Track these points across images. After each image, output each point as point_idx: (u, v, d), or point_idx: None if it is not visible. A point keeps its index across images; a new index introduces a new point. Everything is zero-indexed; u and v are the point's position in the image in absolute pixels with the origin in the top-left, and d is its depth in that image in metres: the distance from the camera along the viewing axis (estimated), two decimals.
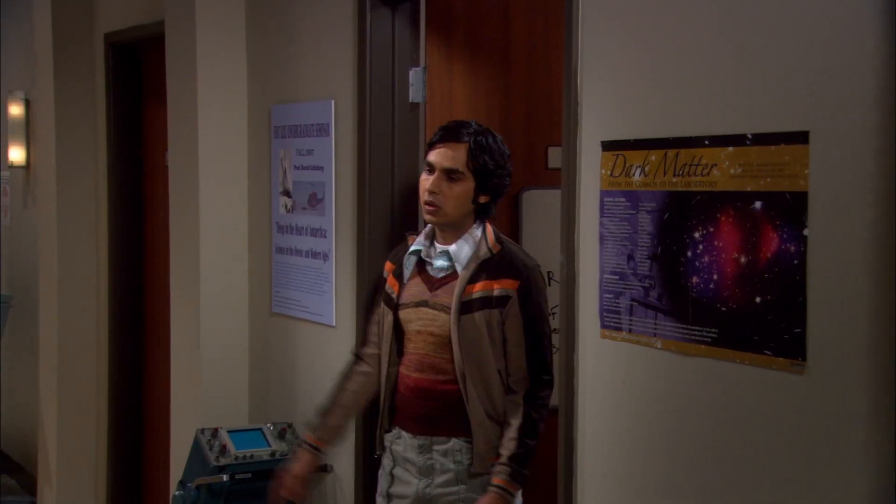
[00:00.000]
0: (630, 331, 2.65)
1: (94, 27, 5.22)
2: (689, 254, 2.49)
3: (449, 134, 2.92)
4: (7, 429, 6.67)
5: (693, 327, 2.49)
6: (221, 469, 3.54)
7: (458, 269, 2.91)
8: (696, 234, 2.48)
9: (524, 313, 2.89)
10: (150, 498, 5.14)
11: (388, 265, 3.07)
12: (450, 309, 2.89)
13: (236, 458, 3.59)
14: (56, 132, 5.19)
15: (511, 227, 3.62)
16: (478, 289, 2.88)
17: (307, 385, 3.79)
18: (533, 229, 3.61)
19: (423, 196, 2.91)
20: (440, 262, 2.94)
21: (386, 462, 3.05)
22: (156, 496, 5.02)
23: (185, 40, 4.07)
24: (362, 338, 3.16)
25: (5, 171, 6.40)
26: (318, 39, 3.70)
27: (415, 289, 2.97)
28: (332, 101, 3.61)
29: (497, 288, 2.88)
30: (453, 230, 2.95)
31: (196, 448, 3.65)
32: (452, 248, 2.93)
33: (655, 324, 2.58)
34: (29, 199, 6.08)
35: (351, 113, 3.52)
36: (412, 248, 2.99)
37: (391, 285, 3.01)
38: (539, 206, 3.60)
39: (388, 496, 3.03)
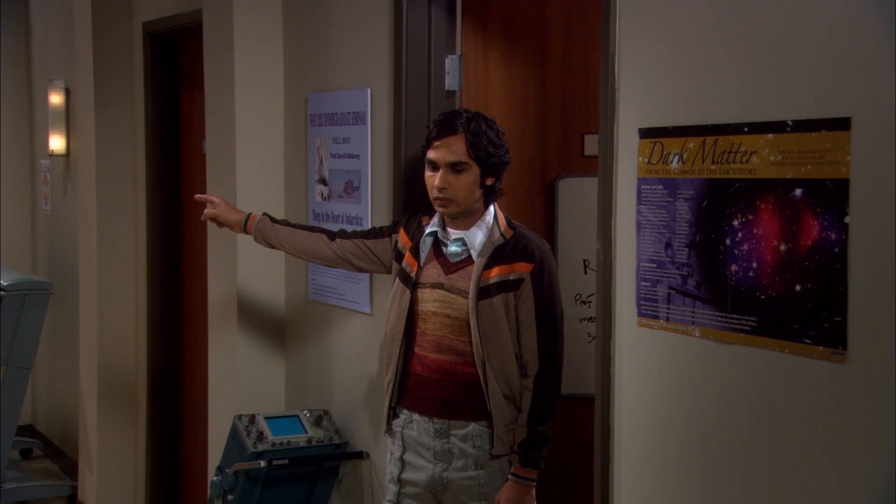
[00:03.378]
0: (668, 319, 2.62)
1: (132, 17, 5.24)
2: (728, 242, 2.46)
3: (444, 128, 2.94)
4: (48, 414, 6.74)
5: (732, 315, 2.46)
6: (259, 455, 3.55)
7: (474, 255, 2.94)
8: (735, 222, 2.45)
9: (536, 295, 2.91)
10: (189, 483, 5.17)
11: (405, 239, 3.08)
12: (466, 293, 2.91)
13: (273, 444, 3.59)
14: (95, 121, 5.22)
15: (546, 215, 3.60)
16: (494, 274, 2.91)
17: (343, 372, 3.79)
18: (569, 217, 3.59)
19: (432, 193, 2.96)
20: (455, 248, 2.97)
21: (395, 448, 3.06)
22: (194, 481, 5.05)
23: (222, 29, 4.07)
24: (348, 233, 3.30)
25: (45, 159, 6.45)
26: (355, 27, 3.69)
27: (431, 270, 3.00)
28: (369, 90, 3.60)
29: (514, 272, 2.91)
30: (467, 216, 2.98)
31: (234, 434, 3.66)
32: (467, 235, 2.96)
33: (693, 312, 2.55)
34: (69, 187, 6.12)
35: (387, 101, 3.51)
36: (429, 230, 3.03)
37: (409, 263, 3.03)
38: (575, 194, 3.58)
39: (400, 482, 3.04)
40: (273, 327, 4.11)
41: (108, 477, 5.31)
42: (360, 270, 3.32)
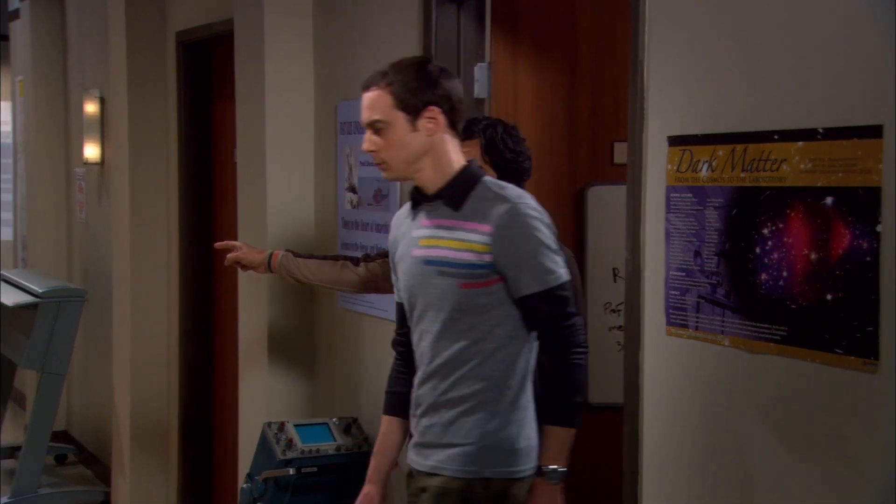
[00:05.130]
0: (697, 328, 2.59)
1: (165, 26, 5.27)
2: (758, 250, 2.43)
3: (462, 133, 2.90)
4: (82, 420, 6.78)
5: (762, 325, 2.43)
6: (288, 463, 3.55)
7: None
8: (765, 231, 2.42)
9: None
10: (220, 489, 5.18)
11: None
12: None
13: (302, 452, 3.59)
14: (129, 129, 5.26)
15: (576, 223, 3.58)
16: None
17: (372, 380, 3.78)
18: (598, 226, 3.56)
19: None
20: None
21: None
22: (225, 488, 5.06)
23: (253, 38, 4.09)
24: (372, 256, 3.30)
25: (80, 167, 6.50)
26: (384, 36, 3.69)
27: None
28: None
29: None
30: None
31: (263, 442, 3.66)
32: None
33: (723, 321, 2.52)
34: (103, 194, 6.16)
35: None
36: None
37: None
38: (605, 202, 3.56)
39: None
40: (303, 335, 4.11)
41: (140, 483, 5.33)
42: (389, 292, 3.22)
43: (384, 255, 3.22)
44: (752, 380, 2.45)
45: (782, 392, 2.38)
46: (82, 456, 6.68)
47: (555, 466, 2.56)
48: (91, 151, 6.13)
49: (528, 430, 2.58)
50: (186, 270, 5.19)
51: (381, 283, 3.22)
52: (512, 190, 2.59)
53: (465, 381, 2.55)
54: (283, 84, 4.02)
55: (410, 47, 3.53)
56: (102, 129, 6.04)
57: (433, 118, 2.56)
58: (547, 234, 2.55)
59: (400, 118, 2.56)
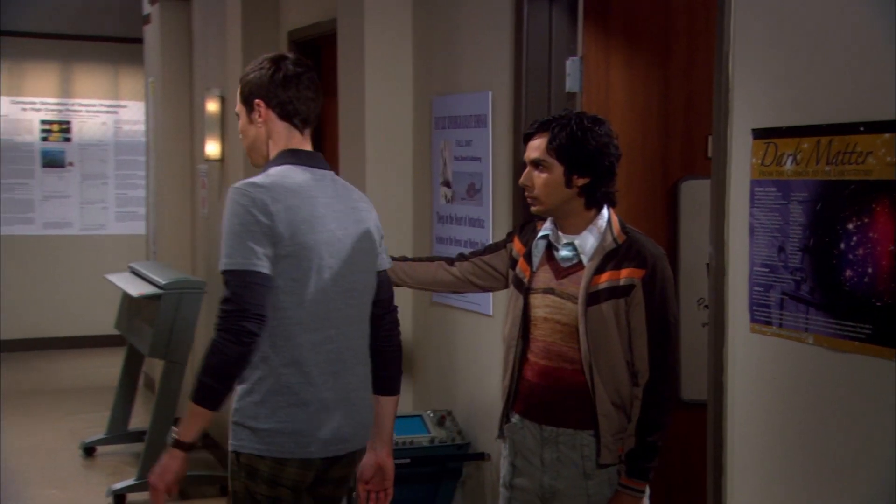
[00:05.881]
0: (780, 325, 2.49)
1: (279, 26, 5.35)
2: (843, 246, 2.32)
3: (538, 126, 2.86)
4: None
5: (846, 323, 2.31)
6: None
7: (584, 260, 2.82)
8: (850, 226, 2.30)
9: (648, 303, 2.77)
10: None
11: (519, 246, 3.01)
12: (576, 298, 2.80)
13: (396, 443, 3.59)
14: None
15: (669, 217, 3.48)
16: (604, 279, 2.79)
17: (466, 374, 3.77)
18: (692, 220, 3.46)
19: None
20: (565, 253, 2.86)
21: (506, 452, 2.99)
22: None
23: (354, 35, 4.11)
24: (465, 253, 3.21)
25: (203, 164, 6.66)
26: (477, 31, 3.66)
27: (543, 275, 2.90)
28: (490, 93, 3.56)
29: (623, 277, 2.78)
30: (566, 218, 2.86)
31: None
32: (578, 239, 2.84)
33: (807, 318, 2.42)
34: (223, 190, 6.30)
35: (508, 104, 3.47)
36: (541, 233, 2.92)
37: (522, 269, 2.95)
38: (698, 196, 3.44)
39: (511, 487, 2.97)
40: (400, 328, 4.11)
41: None
42: (484, 290, 3.22)
43: (479, 252, 3.19)
44: (837, 378, 2.35)
45: (867, 391, 2.27)
46: (206, 441, 6.84)
47: (175, 434, 2.69)
48: (212, 148, 6.27)
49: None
50: None
51: (475, 280, 3.18)
52: (259, 176, 2.74)
53: None
54: (382, 80, 4.04)
55: (502, 43, 3.49)
56: (223, 126, 6.18)
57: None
58: (234, 219, 2.61)
59: None
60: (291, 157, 2.76)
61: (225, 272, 2.61)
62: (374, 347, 2.89)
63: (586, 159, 2.79)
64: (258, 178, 2.70)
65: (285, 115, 2.77)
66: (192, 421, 2.65)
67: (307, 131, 2.81)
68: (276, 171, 2.74)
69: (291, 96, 2.76)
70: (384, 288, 2.91)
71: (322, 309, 2.70)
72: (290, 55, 2.86)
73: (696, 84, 3.49)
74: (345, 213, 2.79)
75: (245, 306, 2.57)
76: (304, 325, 2.67)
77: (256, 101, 2.76)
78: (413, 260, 3.35)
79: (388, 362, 2.92)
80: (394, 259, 3.33)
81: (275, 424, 2.65)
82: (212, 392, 2.61)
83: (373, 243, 2.85)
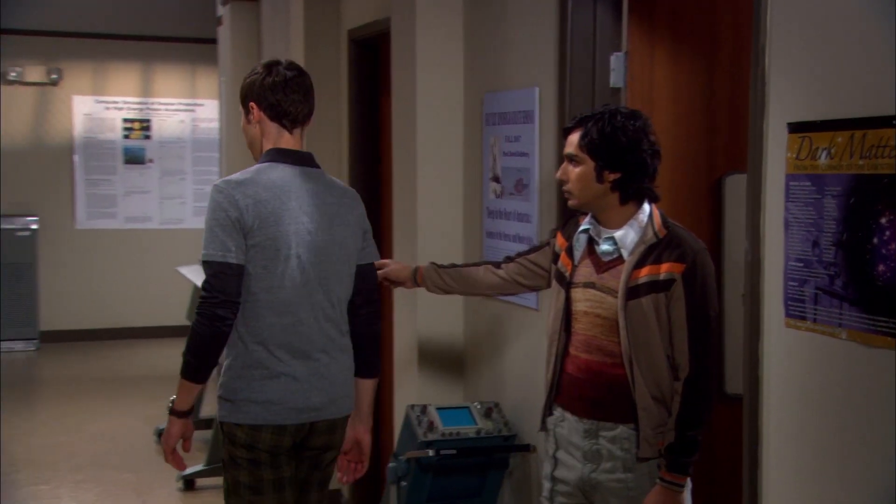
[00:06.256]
0: (815, 320, 2.44)
1: (340, 24, 5.39)
2: (876, 240, 2.26)
3: (577, 121, 2.85)
4: None
5: (879, 318, 2.26)
6: (428, 444, 3.57)
7: (624, 254, 2.80)
8: (883, 220, 2.25)
9: (688, 297, 2.74)
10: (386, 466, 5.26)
11: (561, 240, 2.99)
12: (616, 292, 2.78)
13: (443, 434, 3.60)
14: None
15: (713, 212, 3.43)
16: (644, 273, 2.76)
17: (513, 366, 3.76)
18: (736, 215, 3.39)
19: None
20: (606, 247, 2.84)
21: (549, 445, 2.98)
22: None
23: (406, 32, 4.12)
24: (511, 255, 3.23)
25: None
26: (524, 27, 3.65)
27: (584, 269, 2.89)
28: (537, 89, 3.54)
29: (663, 272, 2.75)
30: (602, 212, 2.85)
31: (407, 423, 3.70)
32: (618, 234, 2.82)
33: (840, 314, 2.36)
34: None
35: (553, 99, 3.45)
36: (582, 227, 2.91)
37: (564, 263, 2.94)
38: (743, 191, 3.36)
39: (553, 479, 2.96)
40: (452, 322, 4.12)
41: None
42: (531, 289, 3.25)
43: (524, 253, 3.18)
44: (870, 374, 2.29)
45: None
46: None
47: (171, 404, 3.05)
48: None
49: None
50: None
51: (521, 280, 3.18)
52: (238, 173, 3.02)
53: None
54: (434, 76, 4.04)
55: (548, 39, 3.47)
56: None
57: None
58: (210, 214, 2.92)
59: None
60: (276, 155, 3.03)
61: (203, 263, 2.92)
62: (353, 333, 3.13)
63: (616, 154, 2.77)
64: (236, 175, 2.99)
65: (275, 117, 3.04)
66: (182, 392, 2.99)
67: (297, 131, 3.09)
68: (255, 168, 3.01)
69: (280, 99, 3.02)
70: (367, 279, 3.15)
71: (292, 294, 2.95)
72: (284, 61, 3.13)
73: (740, 79, 3.41)
74: (319, 207, 3.01)
75: (217, 294, 2.88)
76: (273, 309, 2.94)
77: (251, 103, 3.04)
78: (460, 266, 3.35)
79: (365, 348, 3.16)
80: (442, 267, 3.33)
81: (249, 395, 2.94)
82: (193, 367, 2.94)
83: (350, 236, 3.08)
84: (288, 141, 3.07)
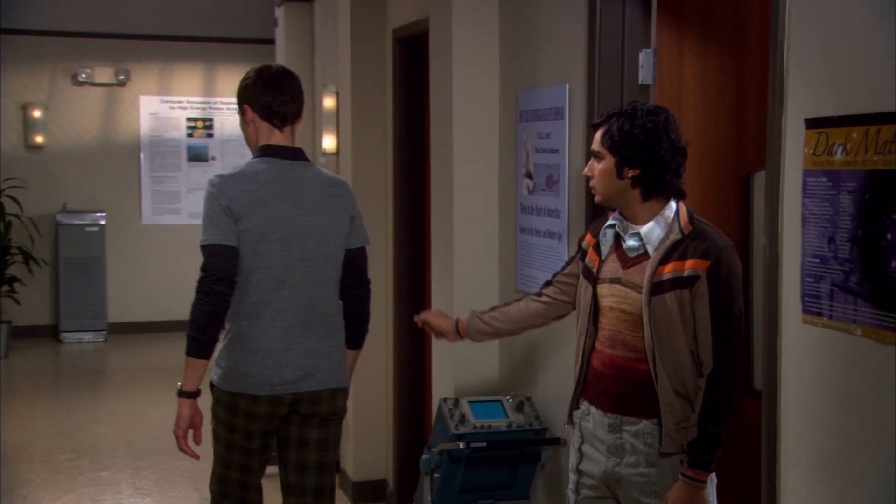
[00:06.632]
0: (831, 317, 2.39)
1: (385, 23, 5.41)
2: (889, 236, 2.22)
3: (602, 119, 2.84)
4: None
5: (892, 315, 2.21)
6: (459, 437, 3.57)
7: (650, 250, 2.77)
8: None
9: (712, 294, 2.69)
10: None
11: (589, 237, 2.97)
12: (641, 288, 2.75)
13: (474, 427, 3.60)
14: (352, 121, 5.44)
15: (742, 208, 3.38)
16: (668, 269, 2.72)
17: (545, 360, 3.75)
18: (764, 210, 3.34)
19: None
20: (631, 243, 2.81)
21: (574, 438, 2.96)
22: None
23: (443, 30, 4.12)
24: (549, 279, 3.16)
25: (322, 157, 6.80)
26: (555, 25, 3.63)
27: (611, 265, 2.86)
28: (567, 85, 3.52)
29: (688, 268, 2.71)
30: (626, 208, 2.82)
31: (439, 416, 3.71)
32: (644, 229, 2.79)
33: (855, 310, 2.32)
34: None
35: (583, 96, 3.43)
36: (608, 223, 2.88)
37: (591, 259, 2.92)
38: None
39: (578, 472, 2.94)
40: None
41: (362, 446, 5.53)
42: (573, 304, 3.08)
43: (559, 271, 3.13)
44: (884, 371, 2.24)
45: None
46: None
47: (179, 385, 3.26)
48: (328, 142, 6.38)
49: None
50: (400, 251, 5.31)
51: (562, 297, 3.10)
52: (230, 167, 3.34)
53: None
54: (470, 74, 4.03)
55: (578, 36, 3.45)
56: (338, 121, 6.28)
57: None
58: (206, 205, 3.21)
59: None
60: (267, 151, 3.31)
61: (201, 247, 3.20)
62: (346, 310, 3.41)
63: (635, 151, 2.74)
64: (229, 170, 3.30)
65: (267, 117, 3.30)
66: (188, 371, 3.21)
67: (287, 129, 3.34)
68: (245, 163, 3.32)
69: (270, 101, 3.29)
70: (357, 262, 3.40)
71: (277, 274, 3.22)
72: (274, 65, 3.44)
73: (769, 75, 3.36)
74: (304, 195, 3.27)
75: (214, 273, 3.16)
76: (259, 287, 3.21)
77: (245, 105, 3.33)
78: (501, 306, 3.27)
79: (354, 324, 3.45)
80: (482, 312, 3.25)
81: (232, 365, 3.25)
82: (196, 343, 3.18)
83: (335, 221, 3.31)
84: (279, 138, 3.32)
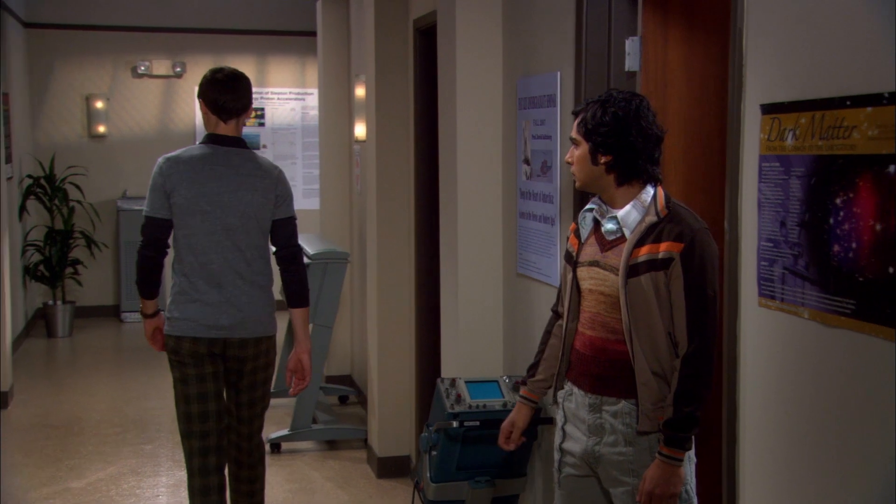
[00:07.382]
0: (783, 300, 2.38)
1: (407, 14, 5.44)
2: (832, 221, 2.20)
3: (581, 106, 2.85)
4: (360, 367, 7.19)
5: (834, 298, 2.19)
6: (455, 416, 3.60)
7: (626, 233, 2.77)
8: (838, 201, 2.18)
9: (686, 275, 2.68)
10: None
11: (573, 225, 2.98)
12: (618, 270, 2.76)
13: (469, 406, 3.63)
14: (376, 108, 5.48)
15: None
16: (644, 252, 2.72)
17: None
18: None
19: None
20: (609, 226, 2.82)
21: (558, 418, 2.97)
22: None
23: (448, 19, 4.14)
24: (559, 295, 3.10)
25: (356, 144, 6.86)
26: (549, 14, 3.63)
27: (590, 248, 2.87)
28: (559, 73, 3.52)
29: (662, 250, 2.71)
30: (604, 193, 2.84)
31: (437, 395, 3.74)
32: (621, 213, 2.79)
33: (803, 293, 2.30)
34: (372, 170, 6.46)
35: (572, 83, 3.42)
36: (587, 207, 2.89)
37: (572, 243, 2.94)
38: None
39: (561, 451, 2.96)
40: (491, 298, 4.14)
41: (386, 423, 5.59)
42: None
43: (560, 289, 3.05)
44: (827, 353, 2.23)
45: (853, 367, 2.15)
46: (360, 397, 7.09)
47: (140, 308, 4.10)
48: (360, 130, 6.45)
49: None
50: (422, 237, 5.35)
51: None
52: (175, 150, 3.92)
53: None
54: (473, 62, 4.04)
55: (566, 24, 3.44)
56: (367, 110, 6.33)
57: None
58: (151, 181, 3.82)
59: None
60: (209, 138, 3.90)
61: (144, 217, 3.84)
62: (281, 273, 3.98)
63: (606, 138, 2.75)
64: (173, 153, 3.86)
65: (214, 110, 3.86)
66: (143, 304, 3.96)
67: (232, 121, 3.88)
68: (188, 147, 3.89)
69: (216, 97, 3.83)
70: (282, 229, 3.94)
71: (204, 240, 3.80)
72: (227, 69, 3.94)
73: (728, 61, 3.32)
74: (231, 176, 3.81)
75: (144, 238, 3.84)
76: (191, 251, 3.81)
77: (200, 99, 3.89)
78: (539, 354, 3.13)
79: (288, 284, 3.98)
80: (532, 376, 3.13)
81: (177, 314, 3.84)
82: (140, 287, 3.90)
83: (259, 198, 3.84)
84: (223, 128, 3.88)
